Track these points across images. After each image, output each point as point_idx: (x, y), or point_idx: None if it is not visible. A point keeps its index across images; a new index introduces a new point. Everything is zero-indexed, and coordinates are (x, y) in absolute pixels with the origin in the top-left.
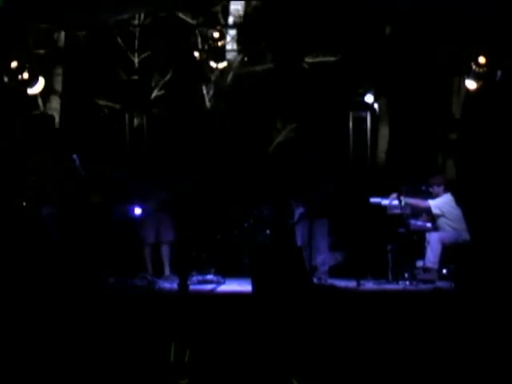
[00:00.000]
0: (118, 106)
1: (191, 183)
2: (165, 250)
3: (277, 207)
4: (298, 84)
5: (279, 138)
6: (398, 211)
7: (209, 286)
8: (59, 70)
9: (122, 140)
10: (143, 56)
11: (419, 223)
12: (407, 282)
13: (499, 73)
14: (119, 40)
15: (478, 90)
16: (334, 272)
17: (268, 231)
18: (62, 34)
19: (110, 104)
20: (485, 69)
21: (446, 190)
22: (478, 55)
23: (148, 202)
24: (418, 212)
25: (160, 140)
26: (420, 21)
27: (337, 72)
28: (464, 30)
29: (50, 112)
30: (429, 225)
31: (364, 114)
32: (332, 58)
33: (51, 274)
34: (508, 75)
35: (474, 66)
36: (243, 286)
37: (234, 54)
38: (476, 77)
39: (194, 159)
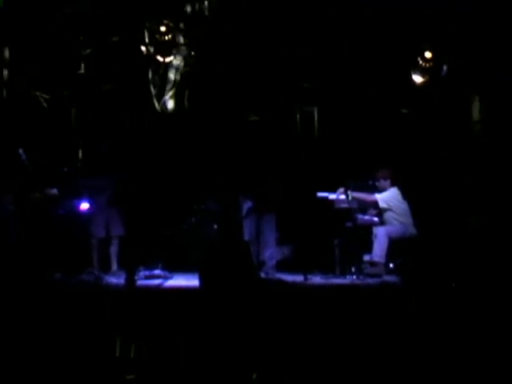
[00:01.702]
0: (64, 100)
1: (138, 178)
2: (114, 245)
3: (224, 202)
4: (243, 77)
5: (226, 132)
6: (345, 205)
7: (156, 281)
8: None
9: (70, 134)
10: (89, 50)
11: (366, 217)
12: (354, 277)
13: (445, 68)
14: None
15: (424, 84)
16: (282, 266)
17: (215, 226)
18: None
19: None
20: (431, 63)
21: (392, 184)
22: (425, 50)
23: (98, 197)
24: (365, 206)
25: (109, 134)
26: (367, 15)
27: (282, 65)
28: (410, 24)
29: None
30: (376, 219)
31: (311, 109)
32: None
33: None
34: (454, 70)
35: (420, 61)
36: (191, 281)
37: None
38: (422, 71)
39: (141, 154)
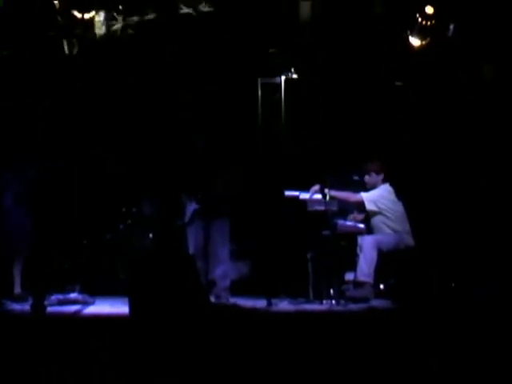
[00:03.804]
0: None
1: (50, 171)
2: (18, 261)
3: (162, 203)
4: (188, 41)
5: (165, 115)
6: (321, 208)
7: (72, 308)
8: None
9: None
10: None
11: (349, 223)
12: (333, 301)
13: (452, 27)
14: None
15: (424, 48)
16: (238, 288)
17: (150, 235)
18: None
19: None
20: (433, 22)
21: (383, 180)
22: (425, 4)
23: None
24: (348, 208)
25: (10, 114)
26: None
27: (239, 25)
28: None
29: None
30: (361, 225)
31: (277, 80)
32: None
33: None
34: (463, 30)
35: (419, 18)
36: (117, 307)
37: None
38: (422, 32)
39: (54, 140)
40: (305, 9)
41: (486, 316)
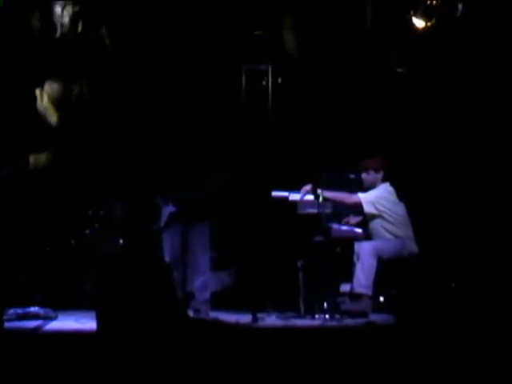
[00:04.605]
0: None
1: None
2: None
3: (133, 206)
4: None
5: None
6: (313, 210)
7: (33, 323)
8: None
9: None
10: None
11: (344, 228)
12: (327, 316)
13: (460, 6)
14: None
15: (429, 30)
16: (220, 301)
17: (120, 241)
18: None
19: None
20: (439, 0)
21: (383, 179)
22: None
23: None
24: (343, 211)
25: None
26: None
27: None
28: None
29: None
30: (358, 230)
31: (263, 67)
32: None
33: None
34: (473, 10)
35: None
36: (83, 323)
37: None
38: (427, 12)
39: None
40: None
41: (491, 332)
